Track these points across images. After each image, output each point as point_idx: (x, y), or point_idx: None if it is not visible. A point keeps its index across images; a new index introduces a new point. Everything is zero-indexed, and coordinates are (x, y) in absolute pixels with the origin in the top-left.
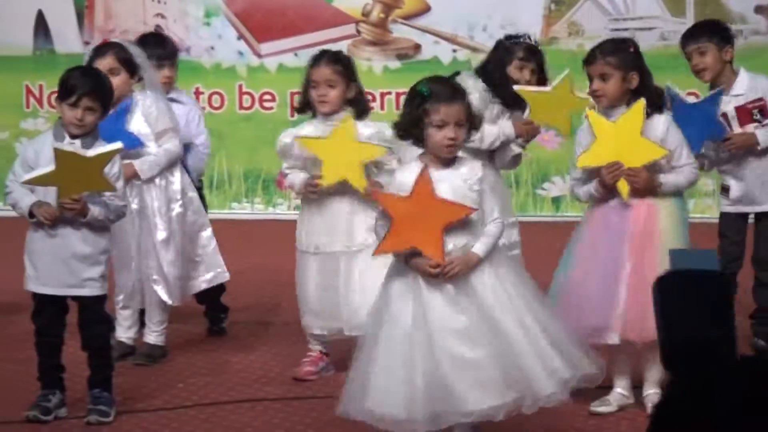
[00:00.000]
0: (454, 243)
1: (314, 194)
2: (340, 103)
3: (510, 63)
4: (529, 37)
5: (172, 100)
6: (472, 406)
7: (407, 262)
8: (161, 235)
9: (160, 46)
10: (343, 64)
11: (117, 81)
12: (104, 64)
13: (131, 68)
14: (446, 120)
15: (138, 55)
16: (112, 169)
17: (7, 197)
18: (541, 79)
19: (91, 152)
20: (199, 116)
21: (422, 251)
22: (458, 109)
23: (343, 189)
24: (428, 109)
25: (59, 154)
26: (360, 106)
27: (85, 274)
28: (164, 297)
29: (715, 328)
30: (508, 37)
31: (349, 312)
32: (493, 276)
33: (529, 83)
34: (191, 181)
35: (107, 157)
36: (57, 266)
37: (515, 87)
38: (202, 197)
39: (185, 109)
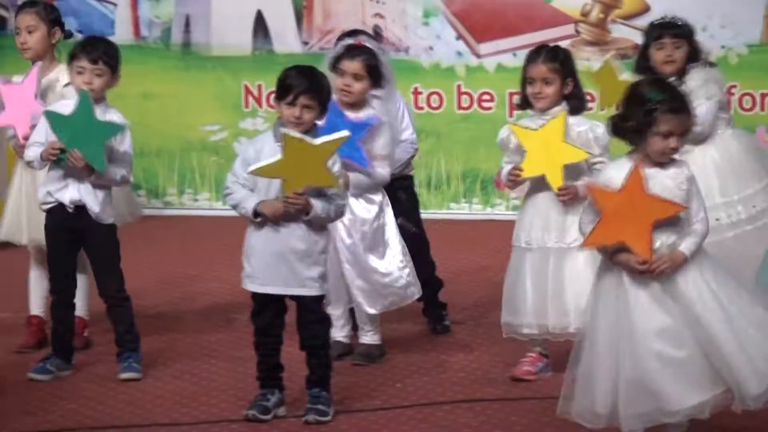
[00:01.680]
0: (661, 240)
1: (513, 184)
2: (556, 99)
3: (650, 46)
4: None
5: (377, 96)
6: (677, 405)
7: (612, 258)
8: (368, 244)
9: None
10: (560, 61)
11: (358, 86)
12: (352, 67)
13: (375, 77)
14: (673, 131)
15: (386, 65)
16: (334, 166)
17: (229, 198)
18: (692, 53)
19: (318, 141)
20: (404, 112)
21: (631, 247)
22: (685, 119)
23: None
24: (657, 118)
25: (288, 140)
26: (575, 102)
27: (305, 274)
28: (366, 307)
29: None
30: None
31: (557, 312)
32: (698, 275)
33: (671, 60)
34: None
35: (334, 145)
36: (277, 265)
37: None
38: (413, 193)
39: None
